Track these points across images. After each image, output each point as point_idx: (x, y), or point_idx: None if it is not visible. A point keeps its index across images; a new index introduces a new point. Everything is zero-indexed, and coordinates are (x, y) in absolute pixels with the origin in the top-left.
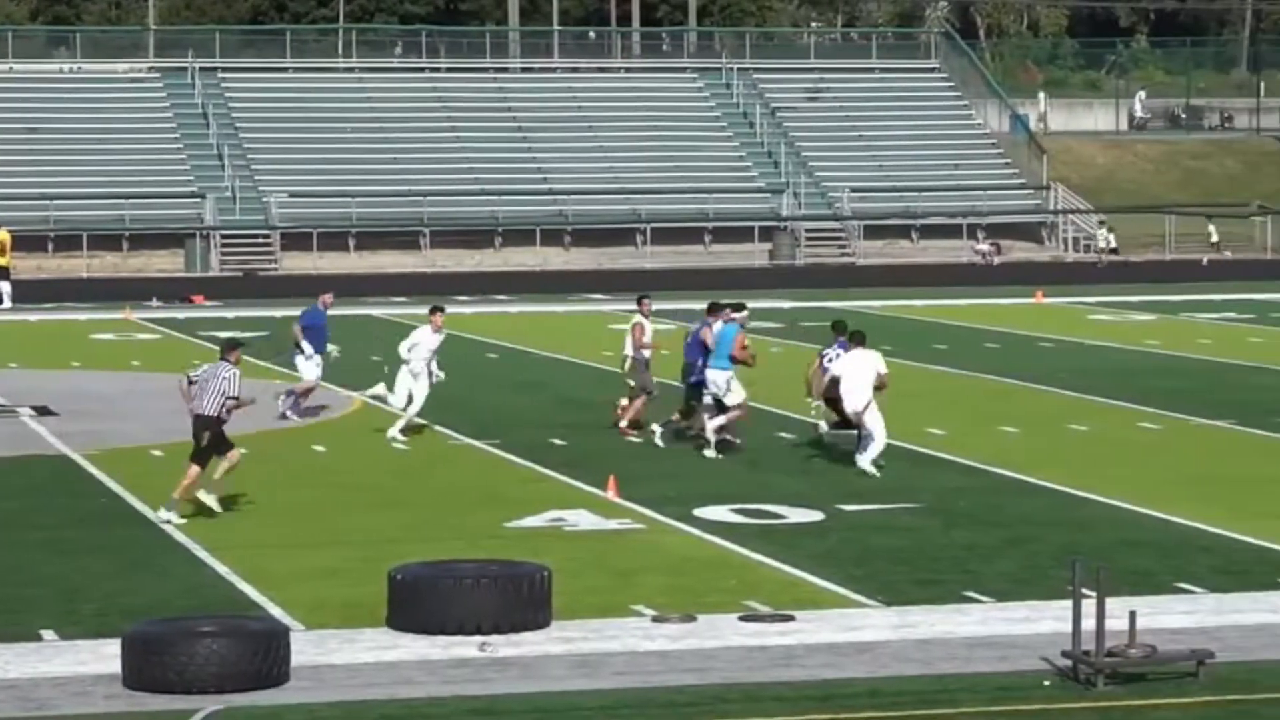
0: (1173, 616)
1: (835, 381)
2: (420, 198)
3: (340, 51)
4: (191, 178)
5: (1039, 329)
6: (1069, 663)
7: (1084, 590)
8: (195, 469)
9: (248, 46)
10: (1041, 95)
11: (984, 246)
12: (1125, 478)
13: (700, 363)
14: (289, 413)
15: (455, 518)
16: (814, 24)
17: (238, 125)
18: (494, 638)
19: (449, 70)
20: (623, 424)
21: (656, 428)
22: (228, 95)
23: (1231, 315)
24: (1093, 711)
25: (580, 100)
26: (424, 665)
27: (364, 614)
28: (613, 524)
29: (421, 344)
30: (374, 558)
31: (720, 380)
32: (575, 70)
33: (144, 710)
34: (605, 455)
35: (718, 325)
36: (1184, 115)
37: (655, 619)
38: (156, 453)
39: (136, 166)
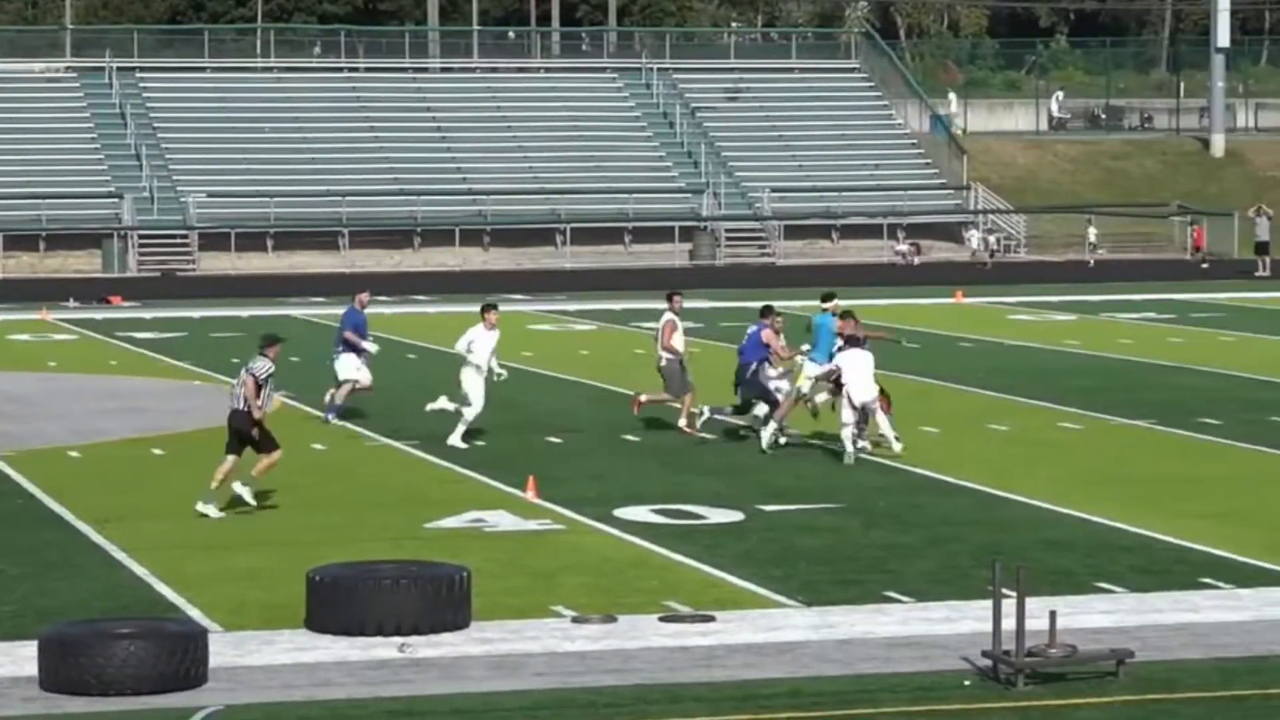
0: (1093, 616)
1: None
2: (339, 198)
3: (258, 51)
4: (109, 178)
5: (959, 329)
6: (989, 662)
7: (1004, 590)
8: (231, 459)
9: (166, 46)
10: (952, 96)
11: (904, 247)
12: (1046, 477)
13: (755, 364)
14: (330, 416)
15: (375, 519)
16: (734, 24)
17: (155, 125)
18: (413, 639)
19: (368, 70)
20: (681, 423)
21: (706, 409)
22: (145, 95)
23: (1152, 315)
24: (1013, 711)
25: (500, 100)
26: (343, 666)
27: (283, 615)
28: (532, 525)
29: (477, 341)
30: (293, 559)
31: (811, 372)
32: (495, 70)
33: (61, 713)
34: (525, 456)
35: (817, 318)
36: (1104, 115)
37: (575, 620)
38: (73, 454)
39: (53, 166)
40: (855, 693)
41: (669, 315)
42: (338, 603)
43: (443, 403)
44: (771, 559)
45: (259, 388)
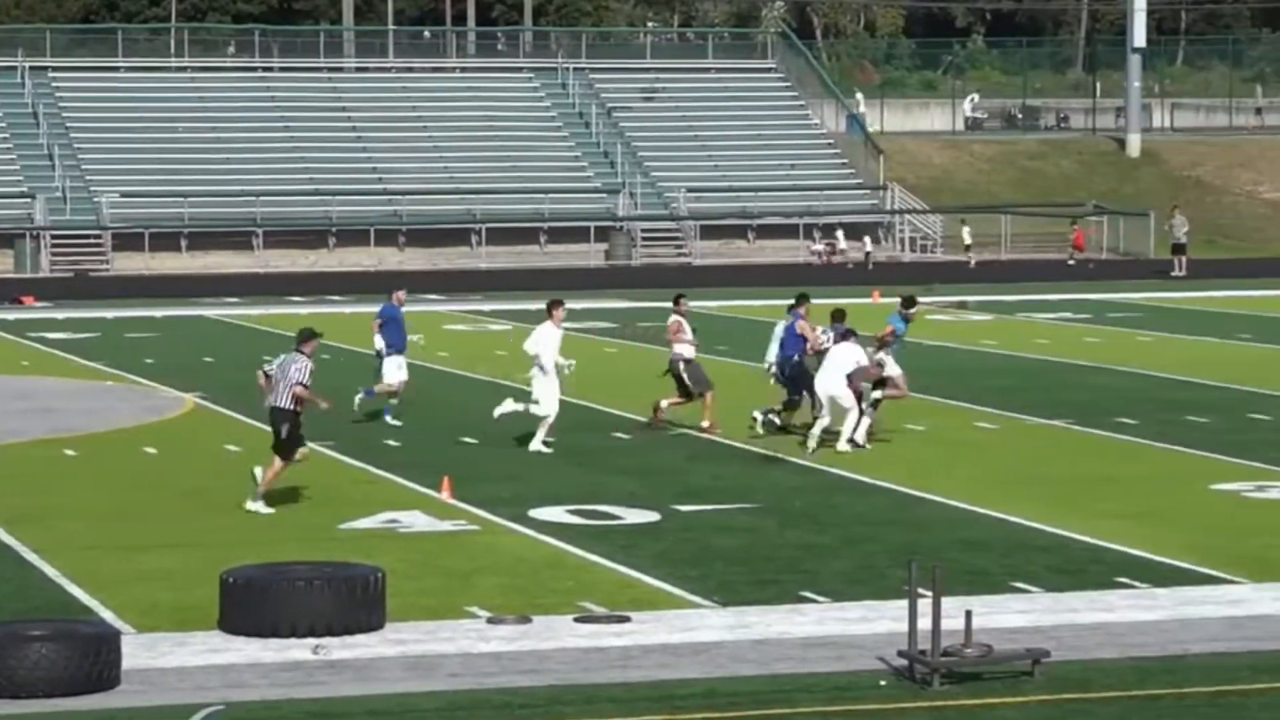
0: (1009, 616)
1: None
2: (254, 198)
3: (173, 51)
4: (21, 178)
5: (875, 329)
6: (905, 662)
7: (920, 590)
8: (279, 462)
9: (79, 46)
10: (859, 95)
11: (820, 246)
12: (962, 478)
13: (796, 355)
14: (388, 416)
15: (289, 519)
16: (650, 24)
17: (69, 125)
18: (327, 640)
19: (283, 70)
20: (704, 424)
21: (757, 415)
22: (58, 95)
23: (1068, 315)
24: (929, 711)
25: (415, 100)
26: (256, 668)
27: (196, 617)
28: (447, 525)
29: (544, 340)
30: (206, 560)
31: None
32: (410, 70)
33: None
34: (440, 457)
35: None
36: (1020, 115)
37: (490, 620)
38: None
39: None
40: (771, 693)
41: (675, 318)
42: (251, 604)
43: (509, 406)
44: (687, 559)
45: (306, 390)
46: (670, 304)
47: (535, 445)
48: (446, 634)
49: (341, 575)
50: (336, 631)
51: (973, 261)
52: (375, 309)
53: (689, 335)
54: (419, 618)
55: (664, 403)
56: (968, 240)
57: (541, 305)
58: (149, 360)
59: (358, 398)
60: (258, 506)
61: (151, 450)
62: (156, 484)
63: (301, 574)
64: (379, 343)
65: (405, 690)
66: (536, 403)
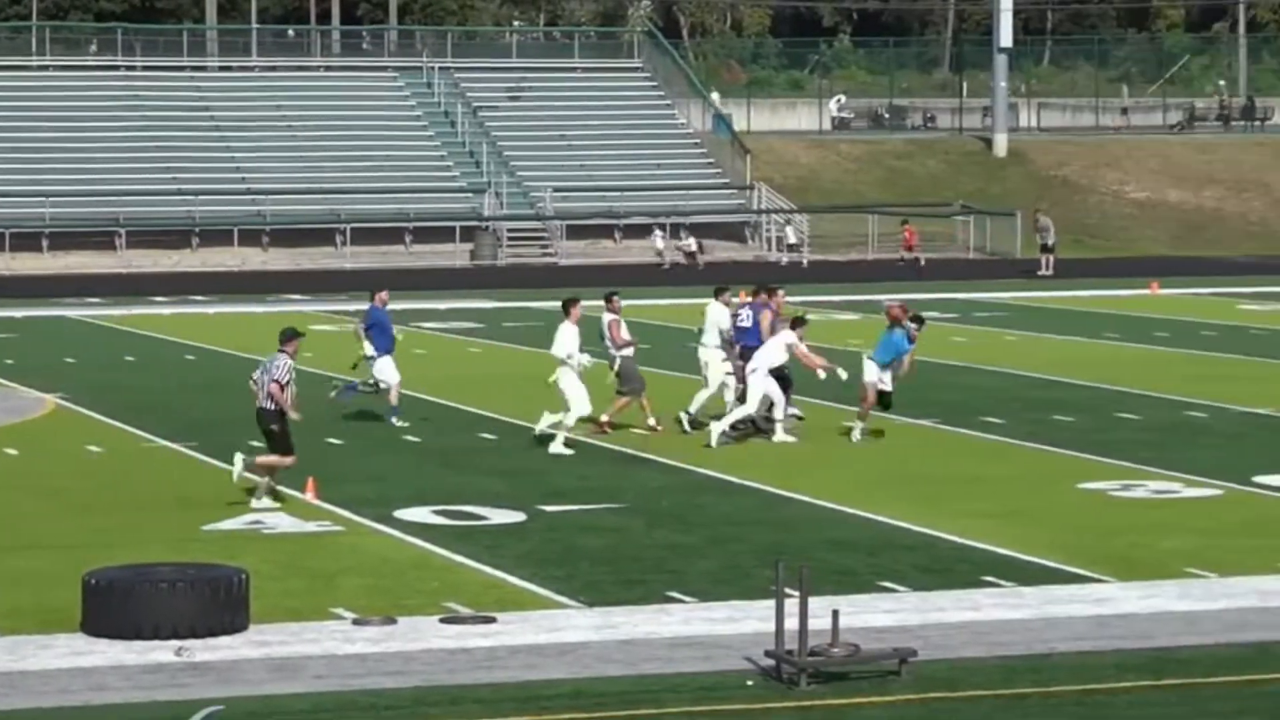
0: (876, 615)
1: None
2: (116, 197)
3: (34, 49)
4: None
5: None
6: (772, 662)
7: (787, 590)
8: (288, 459)
9: None
10: (715, 95)
11: (687, 243)
12: (829, 477)
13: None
14: (394, 419)
15: (152, 521)
16: (516, 23)
17: None
18: (191, 642)
19: (146, 69)
20: (651, 421)
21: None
22: None
23: (934, 315)
24: (796, 711)
25: (279, 99)
26: (119, 670)
27: (59, 619)
28: (312, 526)
29: (568, 339)
30: (69, 562)
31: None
32: (274, 69)
33: None
34: (303, 457)
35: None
36: (887, 115)
37: (355, 622)
38: None
39: None
40: (638, 693)
41: (611, 316)
42: (114, 606)
43: (548, 421)
44: (553, 559)
45: (283, 388)
46: (603, 302)
47: (556, 448)
48: (311, 635)
49: (205, 577)
50: (200, 633)
51: (805, 261)
52: (242, 309)
53: (625, 334)
54: (283, 619)
55: (604, 418)
56: (791, 240)
57: (405, 306)
58: (9, 361)
59: (332, 394)
60: (264, 503)
61: (12, 451)
62: (17, 485)
63: (165, 575)
64: (368, 348)
65: (270, 692)
66: (571, 407)
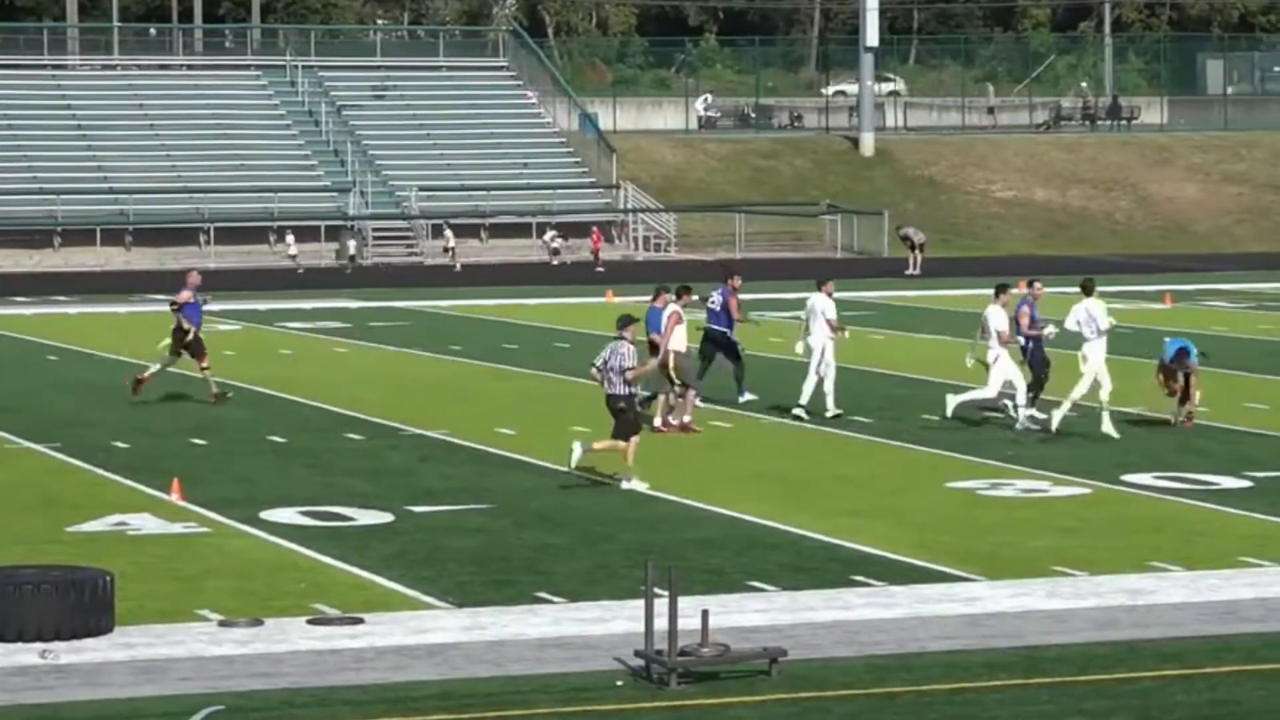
0: (746, 615)
1: None
2: None
3: None
4: None
5: (609, 328)
6: (642, 662)
7: (656, 589)
8: (623, 443)
9: None
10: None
11: (552, 236)
12: (696, 476)
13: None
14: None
15: (14, 523)
16: (380, 21)
17: None
18: (55, 645)
19: (5, 67)
20: (686, 419)
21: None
22: None
23: (799, 315)
24: (666, 711)
25: (142, 98)
26: None
27: None
28: (177, 528)
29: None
30: None
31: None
32: (136, 68)
33: None
34: (169, 458)
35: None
36: (753, 114)
37: (222, 623)
38: None
39: None
40: (507, 694)
41: (674, 307)
42: None
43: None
44: (421, 560)
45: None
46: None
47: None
48: (177, 637)
49: (69, 579)
50: (64, 636)
51: (457, 265)
52: (105, 309)
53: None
54: (149, 621)
55: (657, 422)
56: (450, 243)
57: (269, 306)
58: None
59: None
60: (634, 484)
61: None
62: None
63: (28, 578)
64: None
65: (135, 694)
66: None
